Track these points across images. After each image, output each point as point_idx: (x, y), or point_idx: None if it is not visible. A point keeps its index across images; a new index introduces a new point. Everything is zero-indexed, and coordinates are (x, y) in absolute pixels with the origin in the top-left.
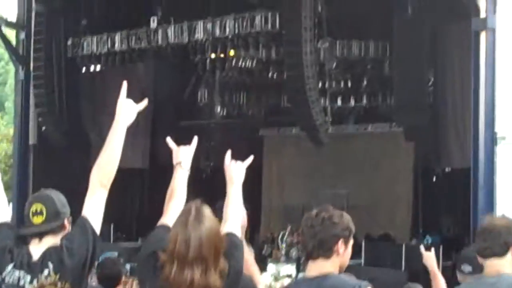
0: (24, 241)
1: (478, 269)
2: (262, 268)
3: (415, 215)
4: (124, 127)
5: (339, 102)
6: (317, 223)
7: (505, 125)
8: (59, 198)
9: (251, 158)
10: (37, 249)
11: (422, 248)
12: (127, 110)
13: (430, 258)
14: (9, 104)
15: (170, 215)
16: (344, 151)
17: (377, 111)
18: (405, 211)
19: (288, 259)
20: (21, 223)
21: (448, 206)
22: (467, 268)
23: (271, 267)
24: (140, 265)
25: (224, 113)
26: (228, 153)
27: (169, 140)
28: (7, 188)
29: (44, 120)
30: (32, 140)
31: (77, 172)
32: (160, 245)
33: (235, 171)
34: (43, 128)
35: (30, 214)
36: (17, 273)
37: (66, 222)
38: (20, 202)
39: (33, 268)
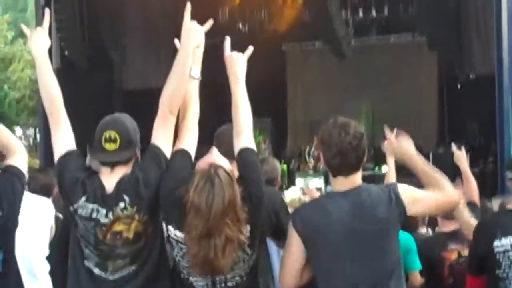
0: (93, 170)
1: None
2: (291, 182)
3: (441, 124)
4: (189, 51)
5: (360, 13)
6: (355, 138)
7: None
8: (132, 125)
9: (251, 49)
10: (109, 180)
11: (453, 146)
12: (192, 33)
13: (461, 156)
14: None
15: (187, 138)
16: (367, 63)
17: (399, 21)
18: (431, 120)
19: (315, 173)
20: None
21: (474, 114)
22: (509, 174)
23: (299, 181)
24: (164, 201)
25: (246, 30)
26: (227, 42)
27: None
28: (34, 112)
29: (67, 44)
30: (55, 65)
31: (101, 94)
32: (182, 177)
33: (239, 64)
34: (66, 52)
35: (103, 140)
36: (90, 206)
37: (137, 150)
38: (46, 127)
39: (108, 201)
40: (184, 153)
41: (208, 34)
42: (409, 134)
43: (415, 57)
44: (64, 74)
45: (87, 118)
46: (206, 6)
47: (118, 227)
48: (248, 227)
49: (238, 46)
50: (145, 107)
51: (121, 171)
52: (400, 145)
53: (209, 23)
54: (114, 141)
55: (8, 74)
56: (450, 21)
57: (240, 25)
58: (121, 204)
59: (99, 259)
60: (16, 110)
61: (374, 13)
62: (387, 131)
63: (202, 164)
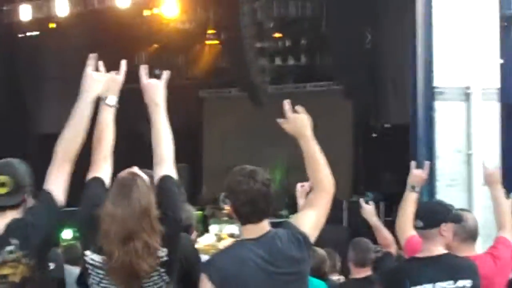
0: None
1: (430, 224)
2: (205, 229)
3: (355, 172)
4: (89, 100)
5: (277, 61)
6: (264, 185)
7: (443, 81)
8: (23, 169)
9: (167, 73)
10: None
11: (361, 200)
12: (93, 83)
13: (368, 210)
14: None
15: (101, 167)
16: (283, 110)
17: (316, 70)
18: (346, 168)
19: (230, 219)
20: None
21: (389, 162)
22: (419, 223)
23: (213, 227)
24: (81, 227)
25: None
26: (143, 70)
27: (100, 65)
28: None
29: None
30: None
31: (16, 137)
32: (97, 204)
33: (157, 90)
34: None
35: None
36: None
37: (27, 195)
38: None
39: None
40: (98, 180)
41: (125, 79)
42: None
43: (331, 105)
44: None
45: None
46: (122, 51)
47: (4, 270)
48: (166, 251)
49: None
50: None
51: (10, 215)
52: (295, 118)
53: (113, 73)
54: (4, 185)
55: None
56: (366, 71)
57: (157, 71)
58: (8, 248)
59: None
60: None
61: (291, 61)
62: (286, 107)
63: (121, 174)
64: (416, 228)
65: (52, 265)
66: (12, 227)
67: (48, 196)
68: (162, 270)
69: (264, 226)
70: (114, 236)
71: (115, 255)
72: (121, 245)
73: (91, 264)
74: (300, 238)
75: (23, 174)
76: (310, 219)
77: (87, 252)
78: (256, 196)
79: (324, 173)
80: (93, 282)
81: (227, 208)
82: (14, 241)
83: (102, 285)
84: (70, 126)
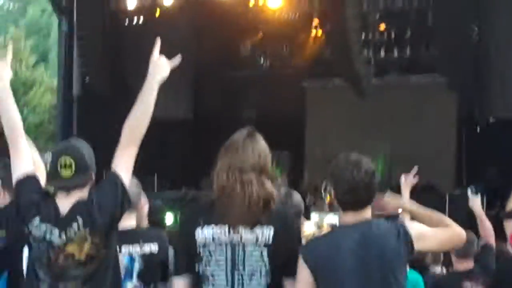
0: (49, 194)
1: None
2: (305, 217)
3: (458, 166)
4: (156, 84)
5: (382, 53)
6: (367, 175)
7: None
8: (87, 151)
9: (179, 58)
10: (64, 202)
11: (469, 191)
12: (159, 67)
13: (476, 201)
14: (53, 56)
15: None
16: (387, 102)
17: (420, 62)
18: (448, 161)
19: (331, 209)
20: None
21: (492, 156)
22: None
23: (314, 216)
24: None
25: (267, 64)
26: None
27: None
28: (52, 137)
29: (88, 71)
30: (75, 91)
31: (120, 123)
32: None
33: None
34: (87, 79)
35: (59, 166)
36: (43, 226)
37: (93, 175)
38: None
39: (61, 222)
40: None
41: (229, 67)
42: (426, 174)
43: (435, 98)
44: (83, 101)
45: (106, 146)
46: (228, 40)
47: (70, 248)
48: (272, 229)
49: (259, 81)
50: (164, 137)
51: (76, 195)
52: (390, 203)
53: (178, 59)
54: (70, 166)
55: (29, 98)
56: (471, 64)
57: (262, 60)
58: (74, 226)
59: (51, 281)
60: (35, 135)
61: (395, 53)
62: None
63: None
64: None
65: (156, 247)
66: (77, 207)
67: (115, 176)
68: (265, 252)
69: (365, 214)
70: (232, 168)
71: (231, 185)
72: (238, 175)
73: (202, 243)
74: (400, 231)
75: (87, 155)
76: (422, 230)
77: (198, 230)
78: (358, 186)
79: (451, 223)
80: (201, 265)
81: (328, 197)
82: (80, 219)
83: (211, 265)
84: (137, 109)
